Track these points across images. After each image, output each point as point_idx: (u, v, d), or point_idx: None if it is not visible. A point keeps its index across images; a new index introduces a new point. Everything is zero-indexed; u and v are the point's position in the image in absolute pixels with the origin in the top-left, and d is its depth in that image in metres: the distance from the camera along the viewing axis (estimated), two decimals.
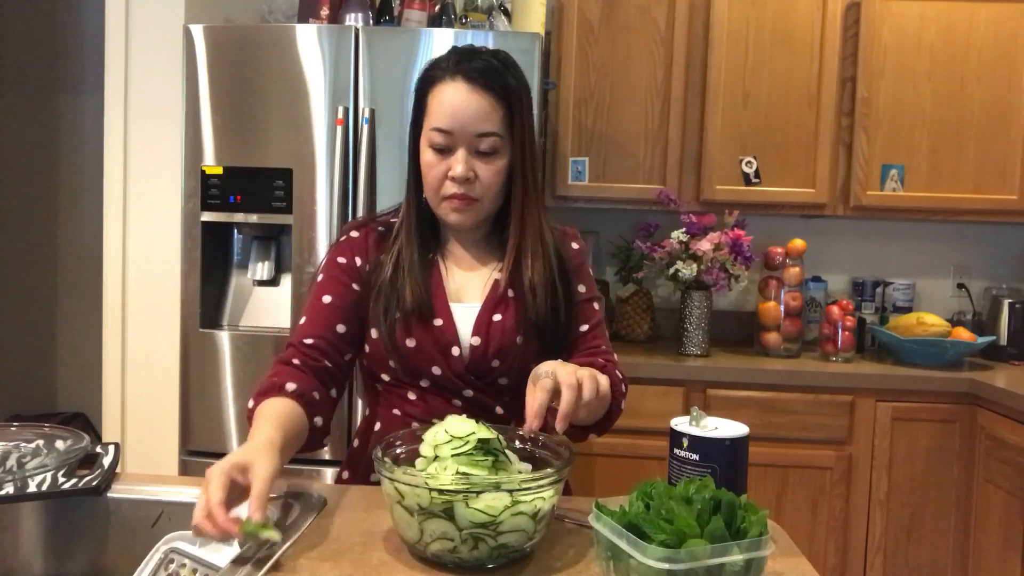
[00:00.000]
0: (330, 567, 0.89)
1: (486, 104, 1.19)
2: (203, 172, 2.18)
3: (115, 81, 2.38)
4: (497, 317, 1.24)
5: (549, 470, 0.92)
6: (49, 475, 1.07)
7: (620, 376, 1.27)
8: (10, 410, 3.37)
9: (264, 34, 2.19)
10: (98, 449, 1.17)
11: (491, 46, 2.09)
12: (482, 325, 1.24)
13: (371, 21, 2.37)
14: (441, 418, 1.11)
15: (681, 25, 2.56)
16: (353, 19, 2.34)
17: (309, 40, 2.15)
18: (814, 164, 2.57)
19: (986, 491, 2.22)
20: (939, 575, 2.33)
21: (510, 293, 1.26)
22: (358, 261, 1.28)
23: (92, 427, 3.31)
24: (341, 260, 1.28)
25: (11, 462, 1.09)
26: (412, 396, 1.25)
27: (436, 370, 1.22)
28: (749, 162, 2.57)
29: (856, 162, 2.57)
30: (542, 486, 0.89)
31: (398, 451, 1.01)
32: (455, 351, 1.22)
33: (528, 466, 1.01)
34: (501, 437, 0.98)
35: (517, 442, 1.05)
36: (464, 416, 0.99)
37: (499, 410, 1.26)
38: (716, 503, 0.82)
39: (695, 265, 2.41)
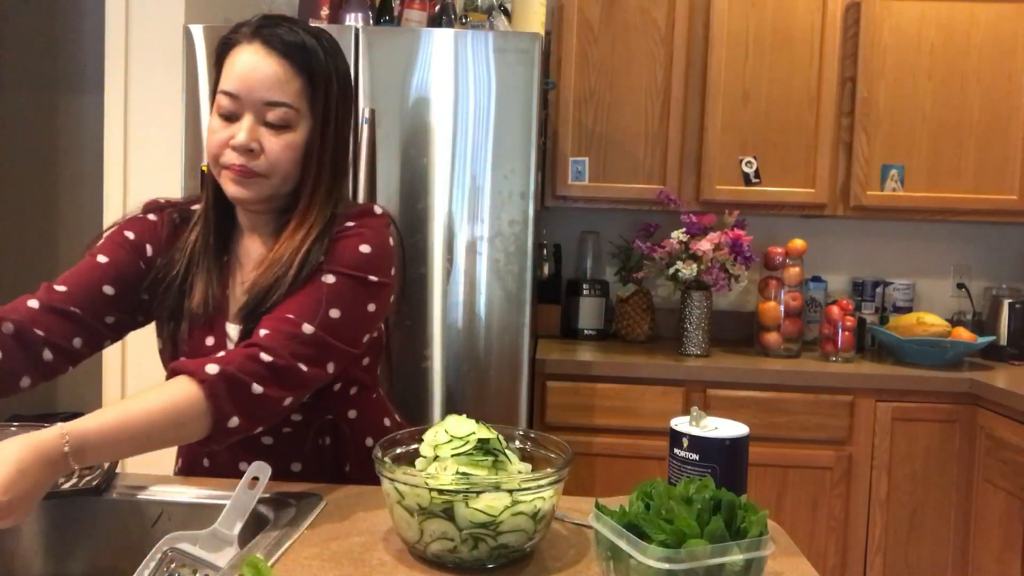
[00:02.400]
0: (330, 567, 0.89)
1: (281, 72, 1.08)
2: (203, 172, 2.18)
3: (115, 81, 2.38)
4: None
5: (549, 470, 0.92)
6: None
7: (269, 360, 1.00)
8: (10, 410, 3.37)
9: None
10: None
11: (491, 46, 2.11)
12: None
13: (371, 21, 2.37)
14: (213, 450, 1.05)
15: (681, 25, 2.56)
16: (353, 19, 2.34)
17: None
18: (814, 164, 2.57)
19: (986, 491, 2.22)
20: (939, 575, 2.33)
21: None
22: (148, 249, 1.16)
23: None
24: (129, 234, 1.16)
25: None
26: None
27: None
28: (749, 162, 2.57)
29: (856, 162, 2.57)
30: (542, 486, 0.89)
31: (398, 451, 1.01)
32: None
33: (528, 466, 1.01)
34: (501, 437, 0.98)
35: (517, 442, 1.05)
36: (464, 416, 0.99)
37: (297, 417, 1.15)
38: (716, 503, 0.83)
39: (695, 265, 2.41)
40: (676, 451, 1.01)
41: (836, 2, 2.53)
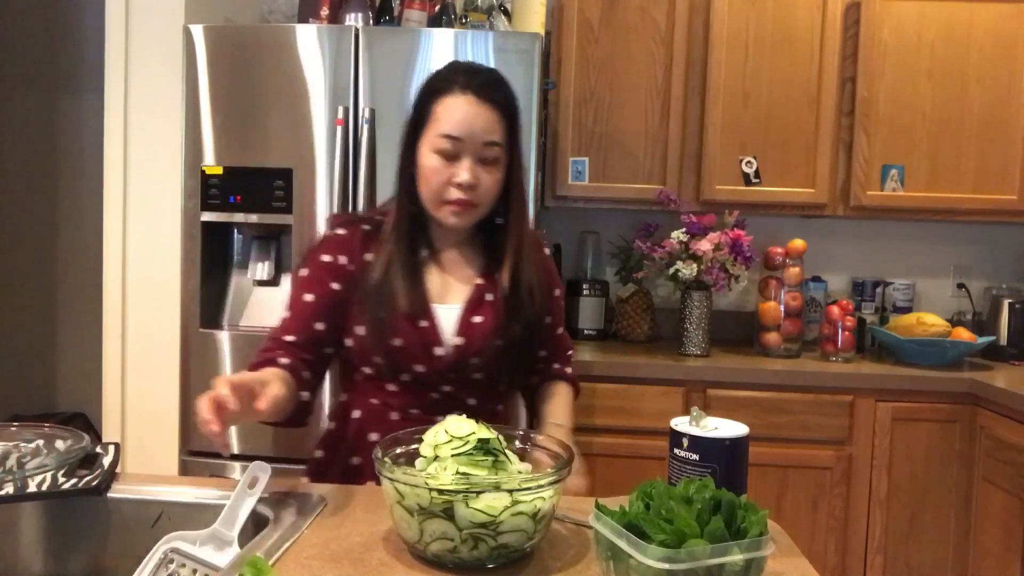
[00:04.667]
0: (330, 567, 0.89)
1: (493, 116, 1.26)
2: (203, 172, 2.18)
3: (115, 81, 2.38)
4: (477, 319, 1.30)
5: (549, 470, 0.92)
6: (49, 475, 1.07)
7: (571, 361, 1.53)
8: (10, 410, 3.37)
9: (264, 34, 2.19)
10: (98, 449, 1.17)
11: (491, 46, 2.12)
12: (464, 326, 1.30)
13: (371, 21, 2.37)
14: (420, 408, 1.29)
15: (681, 25, 2.56)
16: (353, 19, 2.34)
17: (309, 40, 2.15)
18: (814, 164, 2.57)
19: (986, 491, 2.22)
20: (939, 575, 2.33)
21: (489, 297, 1.32)
22: (342, 260, 1.32)
23: (92, 427, 3.30)
24: (325, 258, 1.32)
25: (11, 462, 1.09)
26: (392, 388, 1.32)
27: (419, 368, 1.29)
28: (749, 162, 2.57)
29: (856, 162, 2.57)
30: (542, 486, 0.89)
31: (398, 451, 1.01)
32: (438, 351, 1.29)
33: (528, 466, 1.01)
34: (501, 437, 0.98)
35: (517, 442, 1.05)
36: (463, 416, 0.99)
37: (471, 401, 1.34)
38: (716, 503, 0.83)
39: (695, 265, 2.41)
40: (676, 451, 1.01)
41: (836, 2, 2.53)
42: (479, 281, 1.34)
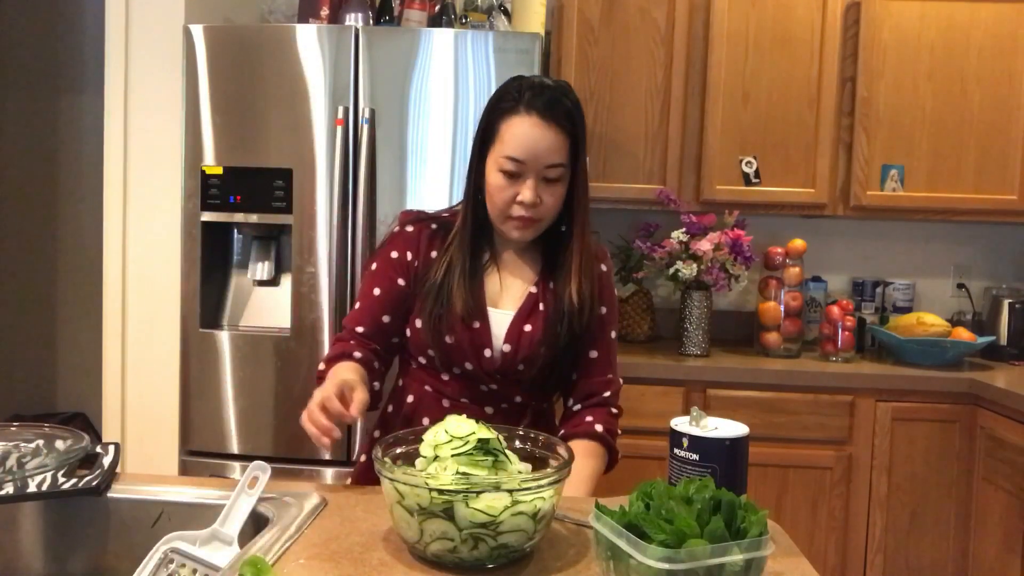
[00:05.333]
0: (330, 567, 0.89)
1: (557, 138, 1.30)
2: (203, 172, 2.18)
3: (115, 81, 2.38)
4: (527, 327, 1.35)
5: (549, 470, 0.92)
6: (49, 475, 1.07)
7: (616, 412, 1.41)
8: (10, 410, 3.37)
9: (264, 34, 2.19)
10: (98, 449, 1.17)
11: (491, 46, 2.12)
12: (514, 334, 1.35)
13: (371, 21, 2.37)
14: (469, 398, 1.36)
15: (681, 25, 2.56)
16: (353, 19, 2.34)
17: (309, 40, 2.15)
18: (814, 164, 2.57)
19: (986, 491, 2.22)
20: (939, 575, 2.33)
21: (541, 306, 1.36)
22: (409, 256, 1.39)
23: (92, 427, 3.30)
24: (393, 254, 1.39)
25: (11, 462, 1.09)
26: (445, 377, 1.38)
27: (468, 365, 1.34)
28: (749, 162, 2.57)
29: (856, 162, 2.57)
30: (542, 486, 0.89)
31: (398, 451, 1.01)
32: (487, 353, 1.34)
33: (528, 466, 1.01)
34: (500, 437, 0.98)
35: (517, 442, 1.05)
36: (464, 416, 1.00)
37: (518, 399, 1.39)
38: (716, 503, 0.83)
39: (695, 265, 2.41)
40: (676, 451, 1.01)
41: (836, 2, 2.53)
42: (533, 289, 1.39)
